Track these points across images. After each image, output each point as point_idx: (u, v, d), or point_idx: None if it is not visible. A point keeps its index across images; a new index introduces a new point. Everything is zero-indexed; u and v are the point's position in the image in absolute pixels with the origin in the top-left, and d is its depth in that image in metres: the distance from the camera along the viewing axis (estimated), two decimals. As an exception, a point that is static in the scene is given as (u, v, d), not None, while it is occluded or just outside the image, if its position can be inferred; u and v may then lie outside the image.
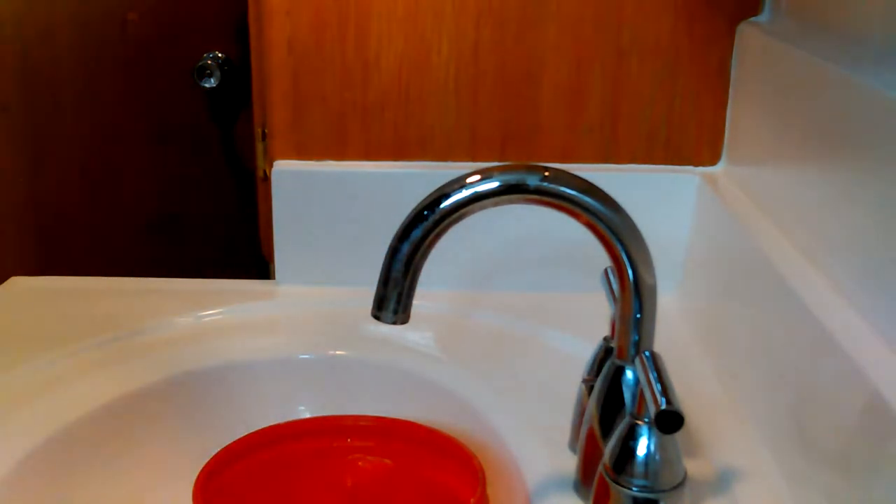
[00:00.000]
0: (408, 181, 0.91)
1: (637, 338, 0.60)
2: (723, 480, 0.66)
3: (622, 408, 0.62)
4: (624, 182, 0.89)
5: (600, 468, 0.60)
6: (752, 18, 0.88)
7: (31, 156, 1.44)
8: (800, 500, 0.62)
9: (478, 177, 0.56)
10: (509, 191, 0.56)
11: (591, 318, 0.74)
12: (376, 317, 0.58)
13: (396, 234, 0.57)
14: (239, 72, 1.38)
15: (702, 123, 0.92)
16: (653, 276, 0.59)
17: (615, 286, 0.62)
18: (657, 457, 0.58)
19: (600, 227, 0.57)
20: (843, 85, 0.64)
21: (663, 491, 0.58)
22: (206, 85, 1.38)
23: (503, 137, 0.92)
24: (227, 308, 0.91)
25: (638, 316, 0.60)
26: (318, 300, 0.93)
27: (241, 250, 1.23)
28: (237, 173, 1.44)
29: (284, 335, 0.90)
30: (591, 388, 0.66)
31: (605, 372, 0.63)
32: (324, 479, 0.72)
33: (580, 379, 0.69)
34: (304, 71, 0.90)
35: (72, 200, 1.46)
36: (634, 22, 0.88)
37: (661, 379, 0.56)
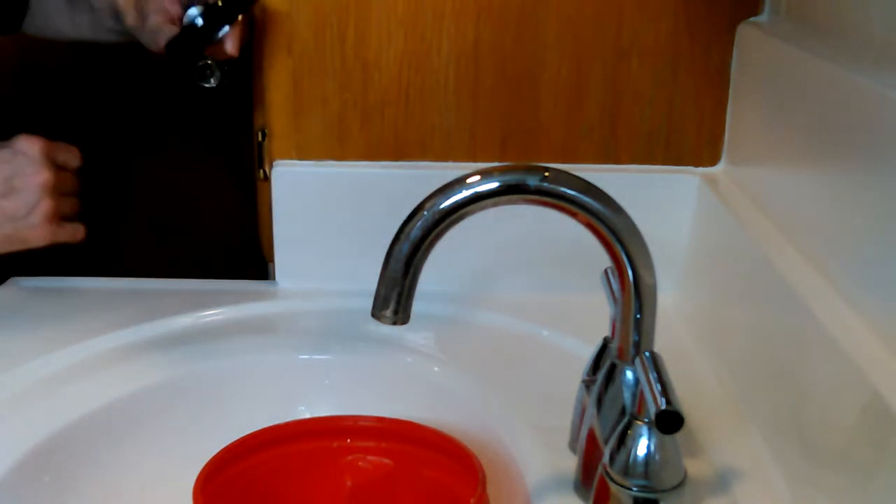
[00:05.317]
0: (408, 181, 0.91)
1: (637, 338, 0.60)
2: (723, 480, 0.66)
3: (622, 408, 0.62)
4: (624, 182, 0.89)
5: (600, 468, 0.60)
6: (752, 18, 0.88)
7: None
8: (800, 500, 0.62)
9: (478, 177, 0.56)
10: (509, 191, 0.56)
11: (591, 318, 0.74)
12: (376, 317, 0.58)
13: (396, 235, 0.57)
14: (239, 72, 1.37)
15: (702, 124, 0.92)
16: (653, 276, 0.59)
17: (615, 286, 0.62)
18: (657, 457, 0.58)
19: (600, 227, 0.57)
20: (843, 85, 0.64)
21: (663, 491, 0.58)
22: (206, 85, 1.37)
23: (503, 137, 0.92)
24: (227, 308, 0.91)
25: (638, 316, 0.60)
26: (318, 300, 0.93)
27: (241, 250, 1.23)
28: (237, 173, 1.44)
29: (284, 335, 0.90)
30: (590, 388, 0.66)
31: (605, 372, 0.63)
32: (324, 479, 0.72)
33: (580, 379, 0.69)
34: (304, 71, 0.90)
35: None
36: (634, 22, 0.88)
37: (661, 379, 0.56)
